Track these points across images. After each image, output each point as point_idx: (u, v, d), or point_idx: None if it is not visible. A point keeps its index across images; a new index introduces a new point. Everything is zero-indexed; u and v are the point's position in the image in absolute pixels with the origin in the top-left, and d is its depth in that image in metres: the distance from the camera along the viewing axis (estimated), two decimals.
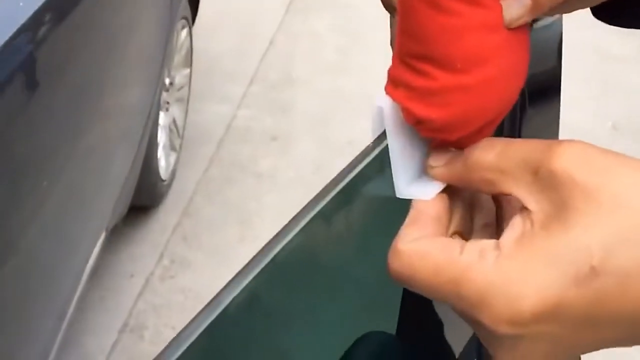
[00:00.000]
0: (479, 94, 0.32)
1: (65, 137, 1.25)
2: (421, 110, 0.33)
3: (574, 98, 2.38)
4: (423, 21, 0.32)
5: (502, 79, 0.33)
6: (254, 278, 0.29)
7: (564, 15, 0.44)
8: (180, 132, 2.15)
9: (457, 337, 0.50)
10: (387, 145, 0.36)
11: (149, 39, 1.72)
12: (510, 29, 0.33)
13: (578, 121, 2.27)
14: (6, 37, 1.04)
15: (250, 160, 2.23)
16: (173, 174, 2.08)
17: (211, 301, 0.28)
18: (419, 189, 0.37)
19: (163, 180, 1.99)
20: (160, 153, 1.94)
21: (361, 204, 0.38)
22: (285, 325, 0.38)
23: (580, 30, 2.71)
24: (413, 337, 0.49)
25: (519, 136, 0.48)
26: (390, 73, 0.34)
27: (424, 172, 0.38)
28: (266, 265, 0.29)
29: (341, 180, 0.34)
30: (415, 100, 0.33)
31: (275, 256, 0.30)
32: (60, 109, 1.21)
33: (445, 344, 0.50)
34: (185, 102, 2.19)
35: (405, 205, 0.36)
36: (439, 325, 0.47)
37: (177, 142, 2.12)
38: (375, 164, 0.36)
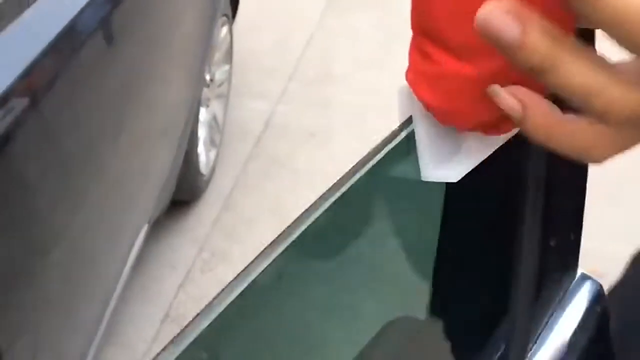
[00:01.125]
0: (482, 85, 0.29)
1: (109, 131, 1.28)
2: (424, 95, 0.31)
3: None
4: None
5: (513, 73, 0.27)
6: (279, 256, 0.30)
7: None
8: (221, 128, 2.18)
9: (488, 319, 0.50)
10: (413, 129, 0.36)
11: (191, 35, 1.76)
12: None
13: None
14: (51, 37, 1.07)
15: (289, 156, 2.24)
16: (213, 169, 2.12)
17: (238, 275, 0.29)
18: (446, 171, 0.37)
19: (203, 175, 2.02)
20: (201, 148, 1.98)
21: (387, 186, 0.38)
22: (311, 307, 0.39)
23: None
24: (443, 321, 0.49)
25: None
26: (408, 54, 0.34)
27: (451, 154, 0.38)
28: (291, 245, 0.30)
29: (367, 162, 0.34)
30: (419, 83, 0.31)
31: (300, 235, 0.31)
32: (103, 103, 1.24)
33: (474, 328, 0.50)
34: (226, 98, 2.22)
35: (431, 187, 0.36)
36: (470, 308, 0.48)
37: (217, 138, 2.15)
38: (402, 147, 0.36)
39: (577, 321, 0.51)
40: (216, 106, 2.14)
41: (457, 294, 0.48)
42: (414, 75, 0.33)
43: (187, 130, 1.79)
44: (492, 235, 0.48)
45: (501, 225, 0.46)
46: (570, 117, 0.25)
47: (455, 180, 0.37)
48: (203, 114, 1.99)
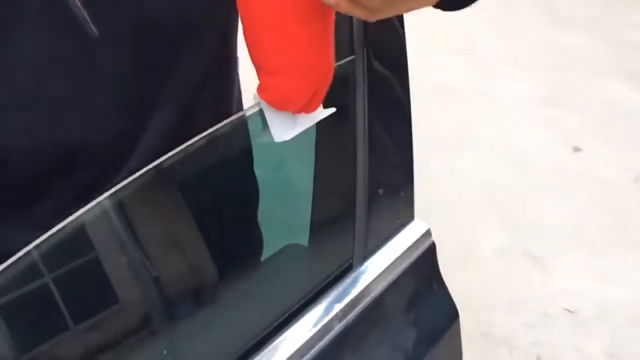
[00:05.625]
0: (286, 85, 0.60)
1: None
2: (265, 97, 0.62)
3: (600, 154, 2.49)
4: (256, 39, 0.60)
5: (304, 75, 0.59)
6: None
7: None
8: None
9: None
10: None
11: None
12: (312, 41, 0.59)
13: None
14: None
15: None
16: None
17: None
18: (291, 133, 0.67)
19: None
20: None
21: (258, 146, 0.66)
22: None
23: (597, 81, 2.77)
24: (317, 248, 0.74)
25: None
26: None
27: (290, 125, 0.68)
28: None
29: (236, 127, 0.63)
30: (262, 92, 0.62)
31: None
32: None
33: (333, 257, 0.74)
34: None
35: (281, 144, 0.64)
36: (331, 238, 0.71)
37: None
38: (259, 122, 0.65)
39: (409, 254, 0.76)
40: None
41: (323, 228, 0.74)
42: (259, 88, 0.65)
43: None
44: (334, 184, 0.75)
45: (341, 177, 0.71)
46: None
47: (289, 138, 0.67)
48: None
